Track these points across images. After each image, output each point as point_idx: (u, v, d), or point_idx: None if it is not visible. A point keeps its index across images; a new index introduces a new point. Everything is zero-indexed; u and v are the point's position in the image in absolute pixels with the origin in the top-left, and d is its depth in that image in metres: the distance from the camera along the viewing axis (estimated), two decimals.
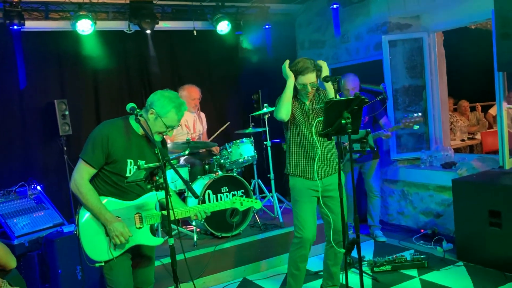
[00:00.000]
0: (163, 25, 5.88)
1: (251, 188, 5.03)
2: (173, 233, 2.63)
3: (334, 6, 5.77)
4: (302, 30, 7.02)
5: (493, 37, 4.39)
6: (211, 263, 4.39)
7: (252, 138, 5.20)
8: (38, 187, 4.81)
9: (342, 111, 2.80)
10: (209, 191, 4.66)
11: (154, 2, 5.63)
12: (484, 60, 5.18)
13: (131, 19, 5.58)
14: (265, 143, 5.50)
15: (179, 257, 2.74)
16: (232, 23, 6.07)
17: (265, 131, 5.46)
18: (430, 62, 5.58)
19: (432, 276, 4.18)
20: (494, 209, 4.14)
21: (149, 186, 2.67)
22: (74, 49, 5.51)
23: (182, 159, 5.19)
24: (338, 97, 3.17)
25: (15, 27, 4.87)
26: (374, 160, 5.23)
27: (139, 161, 2.86)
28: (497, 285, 3.87)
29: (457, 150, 6.23)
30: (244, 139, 5.05)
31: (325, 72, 3.47)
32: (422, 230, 5.38)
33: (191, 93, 5.32)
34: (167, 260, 4.05)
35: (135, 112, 2.77)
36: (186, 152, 4.77)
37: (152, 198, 2.91)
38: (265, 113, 5.30)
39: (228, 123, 5.76)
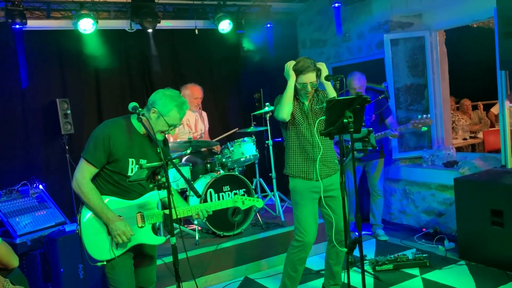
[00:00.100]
0: (164, 24, 5.88)
1: (253, 187, 5.03)
2: (175, 232, 2.63)
3: (336, 4, 5.76)
4: (304, 29, 7.01)
5: (496, 36, 4.38)
6: (212, 262, 4.40)
7: (253, 137, 5.20)
8: (40, 186, 4.82)
9: (344, 110, 2.80)
10: (211, 190, 4.66)
11: (156, 1, 5.63)
12: (486, 59, 5.17)
13: (133, 18, 5.58)
14: (266, 142, 5.50)
15: (181, 256, 2.75)
16: (234, 22, 6.06)
17: (267, 130, 5.46)
18: (432, 61, 5.57)
19: (434, 275, 4.17)
20: (496, 208, 4.14)
21: (151, 185, 2.67)
22: (76, 48, 5.51)
23: (184, 158, 5.19)
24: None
25: (17, 26, 4.87)
26: (380, 159, 5.22)
27: (140, 160, 2.86)
28: (499, 284, 3.87)
29: (459, 149, 6.22)
30: (246, 138, 5.05)
31: (325, 72, 3.47)
32: (424, 229, 5.37)
33: (193, 92, 5.33)
34: (169, 259, 4.07)
35: (137, 111, 2.77)
36: (188, 151, 4.78)
37: (154, 197, 2.91)
38: (267, 112, 5.31)
39: (237, 128, 5.76)
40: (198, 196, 2.76)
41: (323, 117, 3.43)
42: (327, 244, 3.74)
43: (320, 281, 4.03)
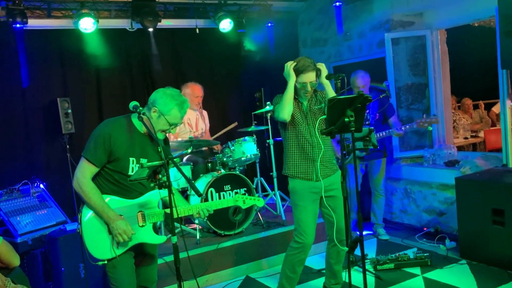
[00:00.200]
0: (165, 23, 5.88)
1: (254, 186, 5.03)
2: (176, 231, 2.63)
3: (337, 3, 5.75)
4: (305, 28, 7.00)
5: (497, 35, 4.37)
6: (213, 261, 4.40)
7: (254, 136, 5.20)
8: (41, 185, 4.82)
9: (345, 109, 2.79)
10: (212, 189, 4.66)
11: (157, 0, 5.63)
12: (487, 58, 5.16)
13: (134, 17, 5.57)
14: (267, 141, 5.50)
15: (182, 255, 2.75)
16: (235, 21, 6.06)
17: (268, 129, 5.46)
18: (433, 60, 5.56)
19: (435, 274, 4.17)
20: (497, 208, 4.13)
21: (152, 184, 2.67)
22: (77, 47, 5.51)
23: (185, 157, 5.19)
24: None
25: (18, 25, 4.87)
26: (383, 158, 5.21)
27: (141, 159, 2.86)
28: (500, 283, 3.86)
29: (460, 148, 6.21)
30: (246, 137, 5.05)
31: (324, 73, 3.46)
32: (425, 229, 5.36)
33: (194, 91, 5.33)
34: (170, 258, 4.06)
35: (138, 110, 2.76)
36: (189, 150, 4.78)
37: (155, 196, 2.91)
38: (268, 111, 5.30)
39: (236, 123, 5.76)
40: (199, 195, 2.76)
41: (324, 116, 3.42)
42: (327, 244, 3.73)
43: (321, 280, 4.03)
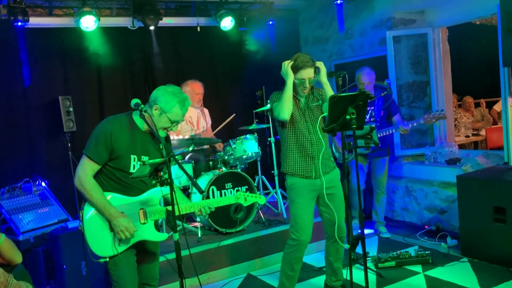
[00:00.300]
0: (166, 21, 5.87)
1: (255, 184, 5.03)
2: (178, 228, 2.63)
3: (338, 1, 5.74)
4: (306, 26, 7.00)
5: (499, 32, 4.37)
6: (215, 258, 4.41)
7: (256, 134, 5.20)
8: (43, 183, 4.83)
9: (347, 106, 2.80)
10: (213, 187, 4.66)
11: None
12: (489, 56, 5.16)
13: (135, 15, 5.58)
14: (269, 139, 5.50)
15: (184, 252, 2.75)
16: (236, 19, 6.05)
17: (269, 127, 5.46)
18: (435, 58, 5.55)
19: (436, 272, 4.17)
20: (499, 205, 4.13)
21: (154, 182, 2.67)
22: (78, 45, 5.51)
23: (187, 156, 5.20)
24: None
25: (19, 23, 4.87)
26: (387, 157, 5.20)
27: (142, 157, 2.86)
28: (502, 281, 3.87)
29: (461, 147, 6.22)
30: (248, 136, 5.05)
31: (324, 71, 3.46)
32: (426, 226, 5.37)
33: (194, 88, 5.33)
34: (172, 255, 4.07)
35: (140, 108, 2.76)
36: (190, 148, 4.78)
37: (156, 193, 2.91)
38: (269, 110, 5.29)
39: (234, 114, 5.76)
40: (201, 192, 2.76)
41: (325, 114, 3.42)
42: (326, 241, 3.74)
43: (322, 278, 4.03)
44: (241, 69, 6.82)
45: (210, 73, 6.61)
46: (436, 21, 5.50)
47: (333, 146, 5.15)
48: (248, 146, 4.98)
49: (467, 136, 7.10)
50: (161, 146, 2.61)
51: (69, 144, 5.33)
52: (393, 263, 4.34)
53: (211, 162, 5.06)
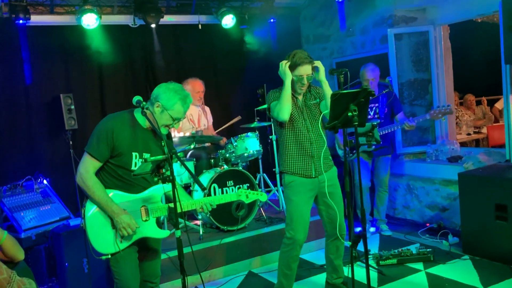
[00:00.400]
0: (168, 19, 5.87)
1: (257, 182, 5.03)
2: (179, 226, 2.63)
3: None
4: (307, 24, 7.00)
5: (501, 30, 4.36)
6: (216, 256, 4.41)
7: (257, 132, 5.19)
8: (45, 181, 4.84)
9: (349, 103, 2.79)
10: (215, 184, 4.67)
11: None
12: (490, 54, 5.16)
13: (136, 13, 5.58)
14: (270, 137, 5.50)
15: (185, 250, 2.75)
16: (237, 17, 6.05)
17: (270, 125, 5.46)
18: (436, 56, 5.55)
19: (438, 270, 4.17)
20: (500, 203, 4.13)
21: (155, 179, 2.67)
22: (79, 43, 5.52)
23: (188, 153, 5.20)
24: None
25: (21, 21, 4.88)
26: (390, 155, 5.19)
27: (144, 154, 2.86)
28: (503, 278, 3.87)
29: (463, 144, 6.21)
30: (249, 133, 5.05)
31: (322, 70, 3.45)
32: (427, 224, 5.37)
33: (195, 87, 5.33)
34: (173, 253, 4.08)
35: (142, 105, 2.76)
36: (192, 146, 4.78)
37: (158, 190, 2.92)
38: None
39: (239, 117, 5.75)
40: (203, 189, 2.76)
41: (327, 111, 3.42)
42: (325, 240, 3.74)
43: (323, 275, 4.03)
44: (242, 67, 6.82)
45: (211, 71, 6.61)
46: (437, 19, 5.49)
47: (336, 143, 5.15)
48: (249, 144, 4.98)
49: (469, 134, 7.09)
50: (163, 143, 2.61)
51: (71, 142, 5.34)
52: (394, 261, 4.34)
53: (212, 160, 5.07)
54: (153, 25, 5.64)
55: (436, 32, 5.52)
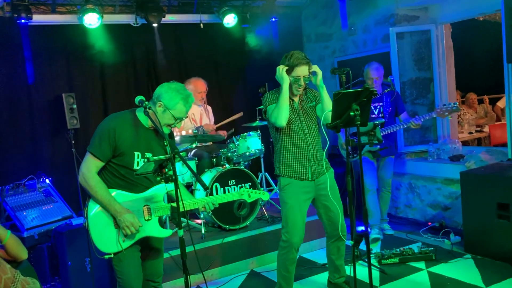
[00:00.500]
0: (169, 18, 5.88)
1: (258, 181, 5.04)
2: (182, 225, 2.64)
3: None
4: (309, 23, 6.99)
5: (503, 29, 4.35)
6: (219, 255, 4.42)
7: (259, 131, 5.20)
8: (47, 180, 4.85)
9: (351, 103, 2.79)
10: (217, 184, 4.67)
11: None
12: (492, 52, 5.15)
13: (138, 13, 5.59)
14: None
15: (188, 249, 2.76)
16: (239, 16, 6.06)
17: None
18: (438, 55, 5.54)
19: (439, 269, 4.17)
20: (502, 202, 4.12)
21: (158, 178, 2.68)
22: (81, 42, 5.53)
23: (190, 152, 5.20)
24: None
25: (23, 21, 4.89)
26: (394, 156, 5.17)
27: (146, 153, 2.87)
28: (505, 277, 3.86)
29: (464, 143, 6.21)
30: (251, 133, 5.05)
31: (320, 75, 3.42)
32: (429, 223, 5.36)
33: (197, 86, 5.32)
34: (176, 252, 4.09)
35: (144, 104, 2.77)
36: (193, 145, 4.78)
37: (160, 190, 2.92)
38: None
39: (241, 113, 5.74)
40: (206, 188, 2.77)
41: (328, 110, 3.41)
42: (326, 241, 3.74)
43: (325, 274, 4.05)
44: (244, 66, 6.82)
45: (213, 69, 6.61)
46: (439, 18, 5.48)
47: (338, 143, 5.14)
48: (251, 143, 4.98)
49: (471, 133, 7.09)
50: (165, 143, 2.62)
51: (73, 141, 5.34)
52: (396, 260, 4.35)
53: (214, 159, 5.07)
54: (155, 24, 5.65)
55: (438, 31, 5.51)
